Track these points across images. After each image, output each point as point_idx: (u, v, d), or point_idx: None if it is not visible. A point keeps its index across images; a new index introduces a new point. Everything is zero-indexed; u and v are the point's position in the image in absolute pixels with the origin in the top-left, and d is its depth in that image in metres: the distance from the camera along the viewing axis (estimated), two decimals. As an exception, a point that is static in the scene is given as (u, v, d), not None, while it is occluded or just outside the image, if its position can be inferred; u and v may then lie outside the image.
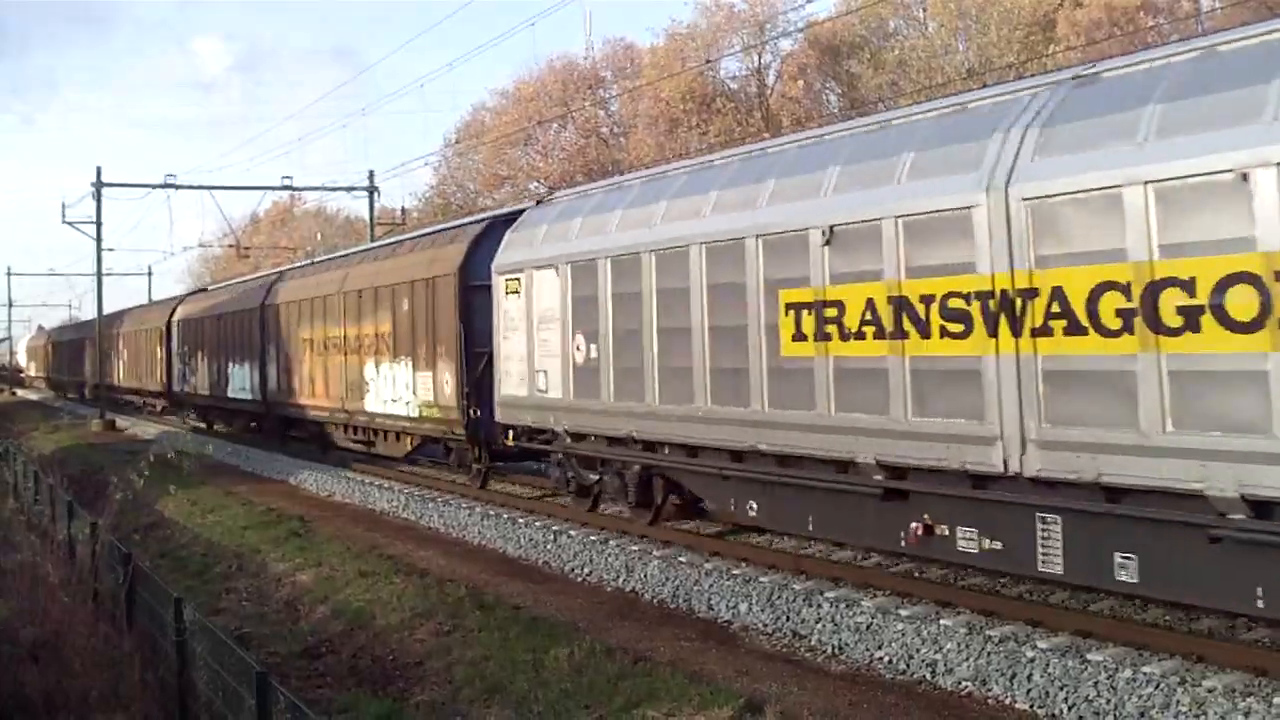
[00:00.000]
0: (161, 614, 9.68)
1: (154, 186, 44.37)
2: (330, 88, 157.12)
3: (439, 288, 19.34)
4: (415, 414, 20.28)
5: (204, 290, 42.55)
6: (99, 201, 43.94)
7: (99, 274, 45.89)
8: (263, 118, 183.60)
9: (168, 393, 40.66)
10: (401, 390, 20.82)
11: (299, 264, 32.75)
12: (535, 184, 53.47)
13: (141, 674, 9.63)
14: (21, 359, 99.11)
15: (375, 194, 46.89)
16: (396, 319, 21.00)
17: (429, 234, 22.36)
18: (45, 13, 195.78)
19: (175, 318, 39.88)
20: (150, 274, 78.05)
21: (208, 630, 8.87)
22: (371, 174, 46.84)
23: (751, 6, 49.17)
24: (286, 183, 45.41)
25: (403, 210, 53.69)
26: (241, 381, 31.39)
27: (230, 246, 54.86)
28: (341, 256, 27.92)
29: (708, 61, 45.19)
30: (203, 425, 38.25)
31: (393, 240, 25.39)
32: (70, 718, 9.31)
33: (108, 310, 49.19)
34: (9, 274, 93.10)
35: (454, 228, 21.45)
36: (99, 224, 44.37)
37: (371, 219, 47.59)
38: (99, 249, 44.91)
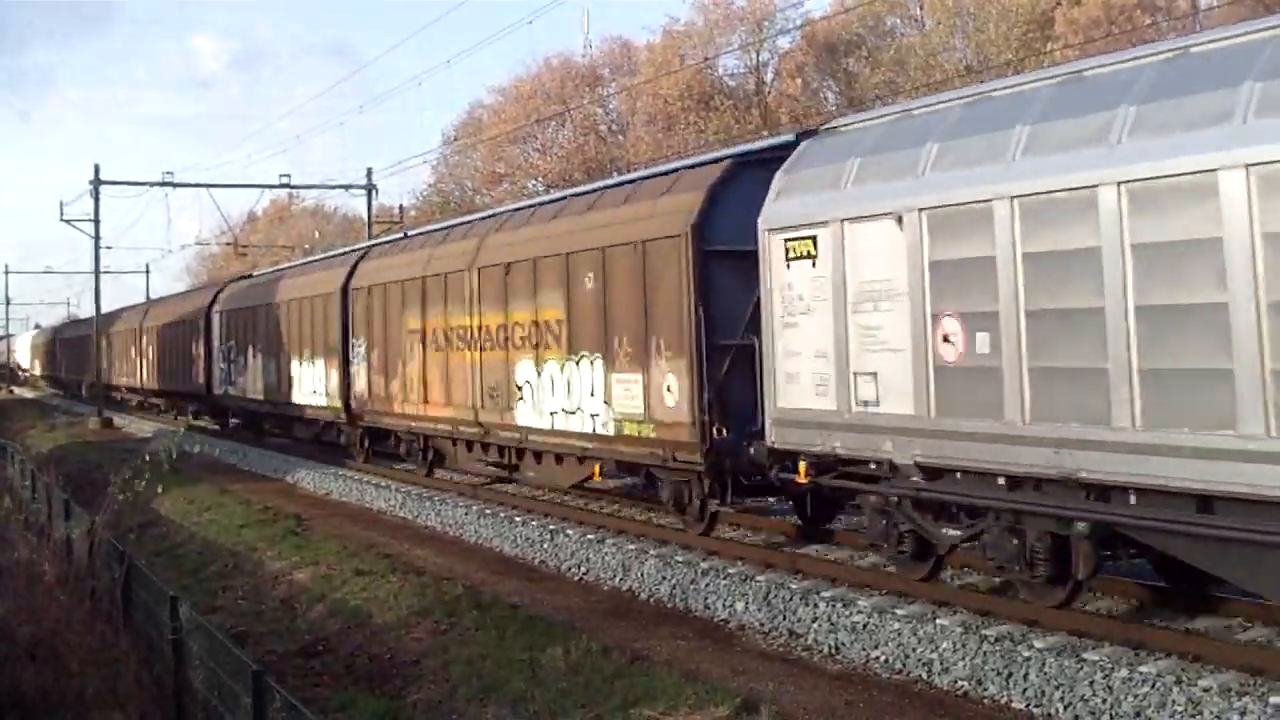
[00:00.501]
0: (158, 612, 9.69)
1: (152, 184, 44.40)
2: (328, 85, 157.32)
3: (654, 256, 13.90)
4: (608, 431, 14.83)
5: (249, 276, 36.79)
6: (97, 199, 43.98)
7: (96, 272, 45.91)
8: (261, 115, 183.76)
9: (207, 395, 35.03)
10: (584, 399, 15.32)
11: (390, 237, 26.47)
12: (533, 182, 53.59)
13: (138, 672, 9.65)
14: (19, 357, 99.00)
15: (373, 192, 46.92)
16: (574, 301, 15.51)
17: (620, 185, 16.40)
18: (44, 9, 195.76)
19: (217, 308, 34.13)
20: (148, 272, 77.97)
21: (204, 629, 8.87)
22: (370, 172, 46.89)
23: (749, 4, 49.26)
24: (284, 181, 45.44)
25: (400, 209, 53.75)
26: (313, 384, 25.53)
27: (228, 244, 54.86)
28: (466, 223, 21.14)
29: (705, 59, 45.23)
30: (244, 432, 33.64)
31: (554, 198, 19.02)
32: (67, 716, 9.32)
33: (105, 308, 49.19)
34: (6, 272, 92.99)
35: (665, 174, 15.27)
36: (97, 222, 44.40)
37: (370, 217, 47.61)
38: (97, 247, 44.97)
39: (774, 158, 12.83)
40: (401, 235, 24.19)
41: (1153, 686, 8.07)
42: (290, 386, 27.06)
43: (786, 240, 11.86)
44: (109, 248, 67.36)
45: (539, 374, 16.41)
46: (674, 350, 13.56)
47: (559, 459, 16.54)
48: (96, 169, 43.71)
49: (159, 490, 19.82)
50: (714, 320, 13.14)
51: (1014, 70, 33.43)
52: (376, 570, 14.22)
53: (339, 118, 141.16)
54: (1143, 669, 8.39)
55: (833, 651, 10.17)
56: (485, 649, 10.73)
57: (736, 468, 13.05)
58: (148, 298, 63.57)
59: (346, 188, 48.51)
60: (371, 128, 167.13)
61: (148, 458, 15.41)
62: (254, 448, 29.81)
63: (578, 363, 15.52)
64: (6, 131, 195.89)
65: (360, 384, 22.97)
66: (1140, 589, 10.59)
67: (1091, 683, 8.35)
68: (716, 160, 14.38)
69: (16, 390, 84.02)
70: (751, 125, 45.51)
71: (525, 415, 16.79)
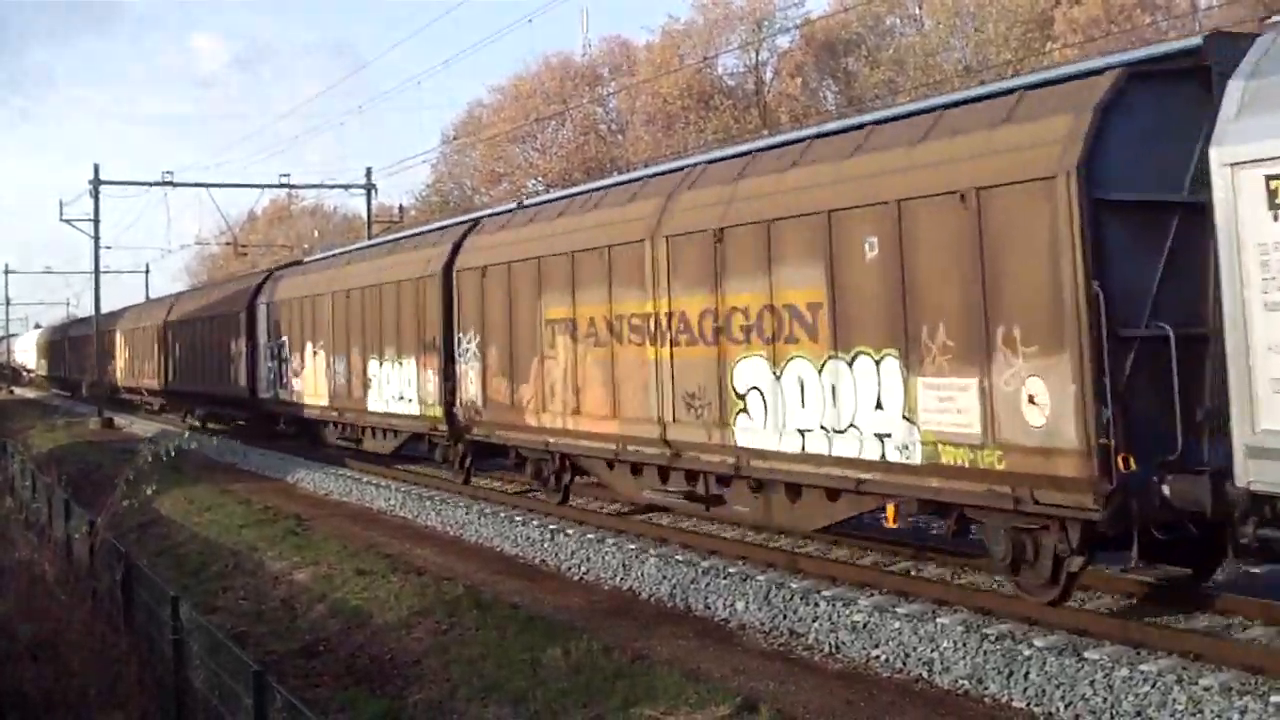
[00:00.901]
0: (159, 612, 9.70)
1: (152, 184, 44.40)
2: (328, 85, 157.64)
3: (997, 208, 9.90)
4: (911, 458, 10.70)
5: (300, 262, 32.37)
6: (96, 199, 44.00)
7: (96, 271, 45.92)
8: (261, 115, 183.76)
9: (251, 399, 30.85)
10: (863, 412, 11.18)
11: (503, 207, 21.51)
12: (533, 181, 53.61)
13: (139, 672, 9.65)
14: (21, 357, 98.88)
15: (373, 191, 46.96)
16: (841, 277, 11.43)
17: (897, 119, 11.88)
18: (44, 8, 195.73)
19: (263, 299, 29.87)
20: (148, 271, 78.01)
21: (205, 628, 8.88)
22: (369, 171, 46.92)
23: (749, 3, 49.33)
24: (284, 180, 45.52)
25: (400, 208, 53.80)
26: (399, 387, 21.31)
27: (227, 244, 54.93)
28: (634, 181, 16.15)
29: (705, 59, 45.29)
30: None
31: (782, 140, 13.77)
32: (68, 716, 9.33)
33: (104, 308, 49.20)
34: (5, 272, 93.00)
35: (984, 98, 11.02)
36: (96, 222, 44.40)
37: (369, 216, 47.65)
38: (96, 247, 44.93)
39: (1168, 71, 9.75)
40: (516, 206, 20.00)
41: (1153, 685, 8.08)
42: (365, 390, 22.80)
43: (1272, 179, 8.11)
44: (109, 247, 67.19)
45: (778, 377, 12.25)
46: (1041, 344, 9.59)
47: (794, 491, 12.48)
48: (96, 169, 43.76)
49: (148, 490, 19.75)
50: (1111, 301, 9.22)
51: (1014, 71, 33.43)
52: (377, 570, 14.22)
53: (338, 118, 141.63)
54: (1143, 668, 8.39)
55: (833, 650, 10.17)
56: (486, 649, 10.73)
57: (1145, 513, 9.13)
58: (147, 297, 63.58)
59: (346, 187, 48.88)
60: (371, 127, 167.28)
61: (149, 457, 15.40)
62: (255, 447, 29.79)
63: (850, 362, 11.39)
64: (6, 131, 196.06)
65: (471, 388, 18.67)
66: (1138, 586, 10.58)
67: (1092, 682, 8.36)
68: (1090, 73, 10.02)
69: (18, 391, 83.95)
70: (751, 125, 45.56)
71: (752, 433, 12.56)
